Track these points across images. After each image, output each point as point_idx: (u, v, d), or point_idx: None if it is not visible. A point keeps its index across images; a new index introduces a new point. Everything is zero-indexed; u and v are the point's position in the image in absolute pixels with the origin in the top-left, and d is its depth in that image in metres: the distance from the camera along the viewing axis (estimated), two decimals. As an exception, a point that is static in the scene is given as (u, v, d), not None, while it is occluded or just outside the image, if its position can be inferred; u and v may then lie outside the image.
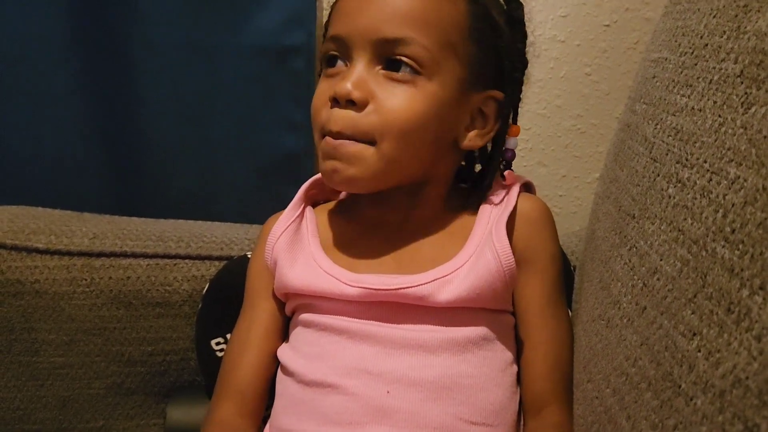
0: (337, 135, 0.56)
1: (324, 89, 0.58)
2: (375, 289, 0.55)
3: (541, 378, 0.56)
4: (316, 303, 0.58)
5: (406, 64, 0.55)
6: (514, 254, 0.56)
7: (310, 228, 0.63)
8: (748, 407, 0.27)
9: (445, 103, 0.56)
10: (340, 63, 0.58)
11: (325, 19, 0.63)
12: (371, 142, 0.55)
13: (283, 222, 0.63)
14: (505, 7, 0.62)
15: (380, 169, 0.56)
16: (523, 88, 0.63)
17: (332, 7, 0.60)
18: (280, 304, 0.63)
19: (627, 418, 0.39)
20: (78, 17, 0.93)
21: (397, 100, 0.55)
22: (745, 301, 0.30)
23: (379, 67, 0.56)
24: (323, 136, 0.57)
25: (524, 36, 0.62)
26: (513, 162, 0.65)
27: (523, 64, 0.63)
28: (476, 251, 0.57)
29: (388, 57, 0.55)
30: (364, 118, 0.55)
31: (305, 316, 0.59)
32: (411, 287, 0.55)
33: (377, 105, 0.55)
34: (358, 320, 0.56)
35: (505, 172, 0.63)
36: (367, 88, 0.55)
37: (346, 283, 0.56)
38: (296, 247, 0.62)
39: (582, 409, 0.49)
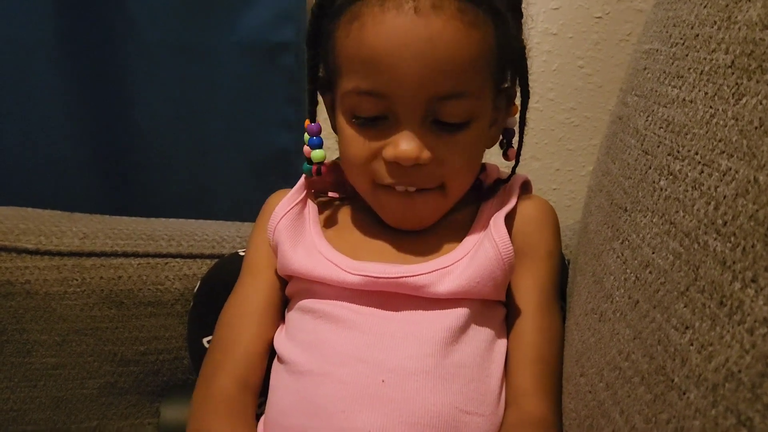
0: (404, 191, 0.57)
1: (364, 141, 0.56)
2: (376, 277, 0.55)
3: (523, 368, 0.55)
4: (315, 288, 0.58)
5: (460, 115, 0.54)
6: (513, 245, 0.56)
7: (312, 215, 0.63)
8: (740, 401, 0.27)
9: (486, 132, 0.58)
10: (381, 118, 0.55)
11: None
12: (439, 187, 0.57)
13: (285, 204, 0.62)
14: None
15: (448, 207, 0.60)
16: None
17: (352, 53, 0.54)
18: (281, 280, 0.62)
19: (620, 412, 0.39)
20: (67, 17, 0.93)
21: (458, 151, 0.55)
22: (737, 294, 0.29)
23: (432, 120, 0.54)
24: (376, 187, 0.58)
25: (521, 14, 0.59)
26: (500, 151, 0.65)
27: (524, 45, 0.60)
28: (476, 245, 0.57)
29: (441, 109, 0.54)
30: (430, 173, 0.56)
31: (303, 303, 0.59)
32: (412, 276, 0.55)
33: (440, 159, 0.55)
34: (355, 306, 0.56)
35: (509, 151, 0.64)
36: (430, 147, 0.54)
37: (346, 271, 0.56)
38: (298, 231, 0.61)
39: (575, 403, 0.49)
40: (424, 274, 0.55)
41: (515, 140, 0.64)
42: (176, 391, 0.78)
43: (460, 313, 0.55)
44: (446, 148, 0.55)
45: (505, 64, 0.58)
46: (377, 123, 0.55)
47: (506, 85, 0.60)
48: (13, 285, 0.73)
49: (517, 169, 0.65)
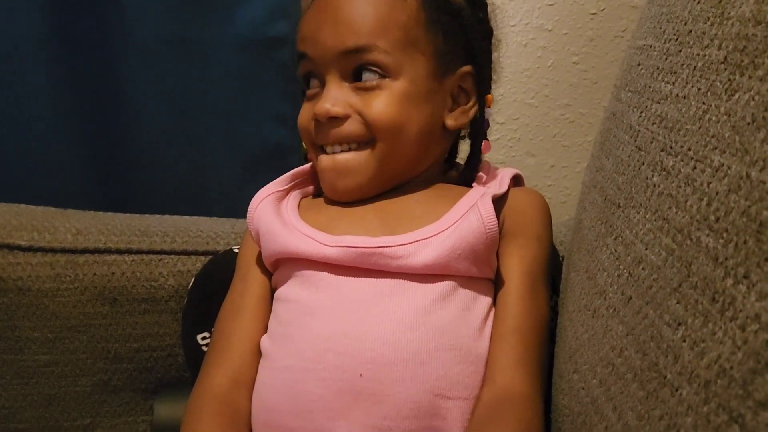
0: (331, 145, 0.60)
1: (307, 109, 0.62)
2: (354, 247, 0.54)
3: (503, 341, 0.54)
4: (295, 270, 0.58)
5: (371, 71, 0.58)
6: (500, 229, 0.56)
7: (291, 203, 0.64)
8: (732, 397, 0.27)
9: (418, 97, 0.59)
10: (314, 82, 0.62)
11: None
12: (365, 144, 0.59)
13: (266, 190, 0.64)
14: None
15: (378, 172, 0.60)
16: (497, 56, 0.67)
17: (298, 26, 0.63)
18: (270, 276, 0.63)
19: (613, 408, 0.39)
20: (60, 12, 0.92)
21: (374, 106, 0.58)
22: (729, 290, 0.29)
23: (348, 81, 0.59)
24: (317, 152, 0.62)
25: (483, 4, 0.65)
26: (496, 147, 0.70)
27: (488, 32, 0.65)
28: (461, 218, 0.56)
29: (354, 69, 0.59)
30: (351, 126, 0.59)
31: (279, 292, 0.59)
32: (392, 246, 0.54)
33: (358, 114, 0.59)
34: (333, 286, 0.55)
35: (482, 144, 0.66)
36: (344, 103, 0.59)
37: (323, 243, 0.56)
38: (276, 214, 0.61)
39: (568, 399, 0.48)
40: (404, 244, 0.54)
41: (507, 135, 0.65)
42: (170, 388, 0.78)
43: (443, 291, 0.54)
44: (362, 104, 0.58)
45: (450, 41, 0.61)
46: (315, 90, 0.61)
47: (465, 68, 0.62)
48: (5, 281, 0.73)
49: (511, 165, 0.65)
